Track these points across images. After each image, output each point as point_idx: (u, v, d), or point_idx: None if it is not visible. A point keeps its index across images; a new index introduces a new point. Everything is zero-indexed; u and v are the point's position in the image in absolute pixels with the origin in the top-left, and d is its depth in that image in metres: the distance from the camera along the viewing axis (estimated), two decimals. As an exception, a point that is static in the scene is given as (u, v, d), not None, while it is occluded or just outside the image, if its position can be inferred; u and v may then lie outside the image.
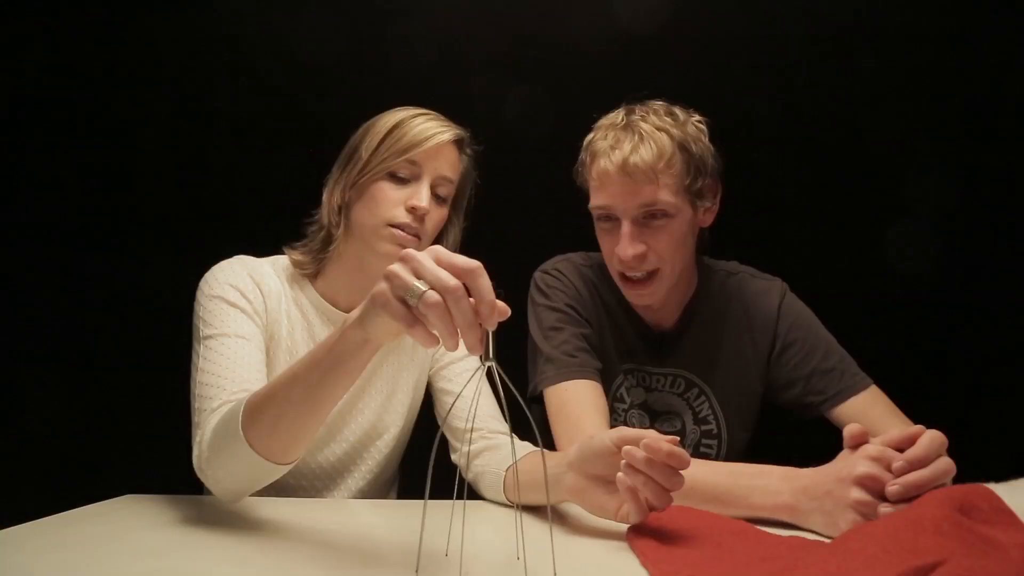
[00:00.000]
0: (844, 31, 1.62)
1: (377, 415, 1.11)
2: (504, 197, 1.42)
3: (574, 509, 0.87)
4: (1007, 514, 0.60)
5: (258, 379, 0.92)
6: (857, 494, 0.71)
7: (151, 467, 1.13)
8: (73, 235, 1.62)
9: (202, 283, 1.02)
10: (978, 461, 0.80)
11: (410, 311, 0.59)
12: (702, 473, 0.82)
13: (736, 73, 1.63)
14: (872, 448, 0.73)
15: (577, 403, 1.05)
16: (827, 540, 0.70)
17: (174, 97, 1.64)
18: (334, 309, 1.09)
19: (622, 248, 1.04)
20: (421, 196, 1.01)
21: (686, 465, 0.70)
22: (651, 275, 1.08)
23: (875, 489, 0.71)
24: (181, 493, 0.99)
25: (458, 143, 1.07)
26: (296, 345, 1.06)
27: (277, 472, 0.79)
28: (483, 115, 1.55)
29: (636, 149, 1.02)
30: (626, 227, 1.05)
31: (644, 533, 0.72)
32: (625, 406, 1.20)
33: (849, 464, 0.73)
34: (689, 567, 0.62)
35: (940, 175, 1.58)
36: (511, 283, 1.28)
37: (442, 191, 1.05)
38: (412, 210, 1.00)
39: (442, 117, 1.06)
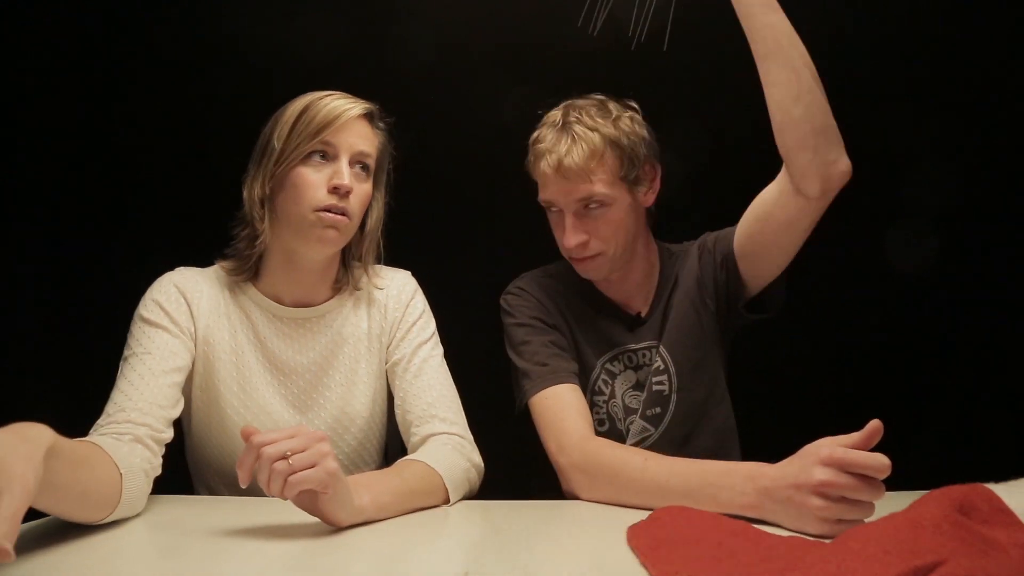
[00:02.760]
0: (844, 31, 1.62)
1: (339, 407, 1.11)
2: (504, 197, 1.42)
3: (575, 509, 0.87)
4: (1007, 514, 0.60)
5: (153, 404, 0.91)
6: (817, 502, 0.73)
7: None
8: (73, 235, 1.61)
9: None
10: (978, 461, 0.80)
11: None
12: (675, 472, 0.88)
13: (736, 72, 1.63)
14: (826, 450, 0.74)
15: (556, 408, 1.09)
16: (827, 540, 0.71)
17: (172, 97, 1.63)
18: (279, 305, 1.09)
19: (566, 238, 1.15)
20: (342, 174, 1.01)
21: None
22: (595, 256, 1.17)
23: (834, 494, 0.73)
24: (181, 493, 0.99)
25: (368, 117, 1.07)
26: (241, 345, 1.06)
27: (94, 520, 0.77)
28: (482, 115, 1.56)
29: (569, 151, 1.11)
30: (568, 219, 1.15)
31: (644, 533, 0.73)
32: (605, 398, 1.23)
33: (806, 470, 0.75)
34: (689, 567, 0.62)
35: (940, 175, 1.58)
36: (511, 281, 1.29)
37: (362, 166, 1.05)
38: (335, 189, 1.00)
39: (349, 95, 1.06)
